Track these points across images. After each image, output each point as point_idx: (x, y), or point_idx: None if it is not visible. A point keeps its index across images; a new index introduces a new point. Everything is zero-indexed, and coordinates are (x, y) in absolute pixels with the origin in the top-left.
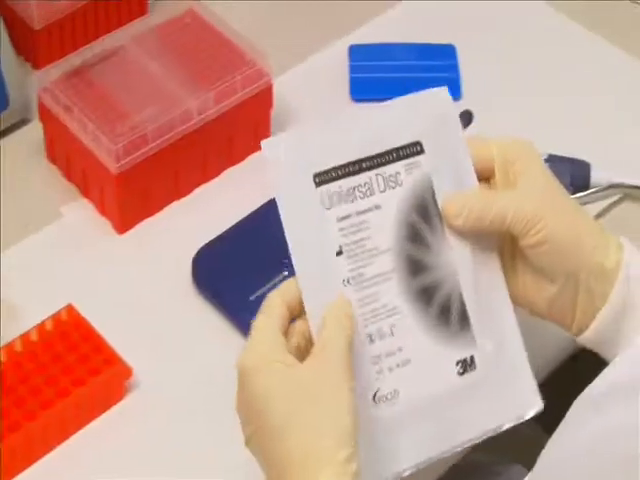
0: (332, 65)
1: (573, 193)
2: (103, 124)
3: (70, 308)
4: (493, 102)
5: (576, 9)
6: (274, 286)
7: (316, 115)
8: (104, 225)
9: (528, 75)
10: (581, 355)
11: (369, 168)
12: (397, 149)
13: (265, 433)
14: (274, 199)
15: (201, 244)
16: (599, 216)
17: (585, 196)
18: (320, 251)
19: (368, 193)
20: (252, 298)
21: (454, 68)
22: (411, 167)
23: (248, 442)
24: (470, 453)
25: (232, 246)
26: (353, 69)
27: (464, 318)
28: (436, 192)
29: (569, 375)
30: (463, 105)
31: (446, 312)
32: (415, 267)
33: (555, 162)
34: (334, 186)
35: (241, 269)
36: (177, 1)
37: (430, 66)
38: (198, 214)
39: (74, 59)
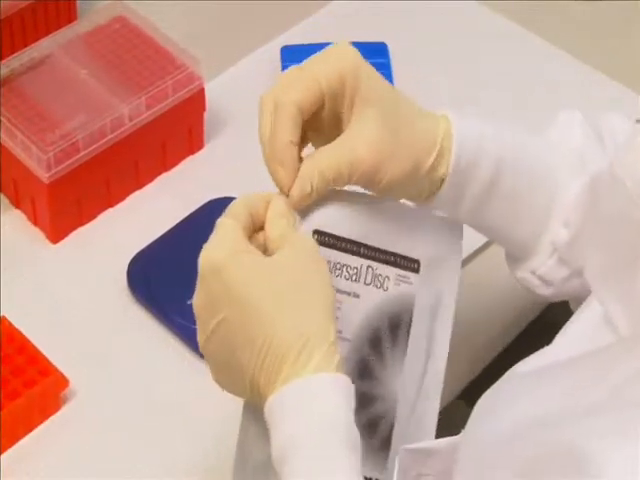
0: (264, 67)
1: None
2: (33, 133)
3: (3, 320)
4: (425, 100)
5: (509, 8)
6: None
7: (249, 117)
8: (37, 235)
9: (460, 72)
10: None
11: (364, 256)
12: (397, 255)
13: (242, 319)
14: (208, 203)
15: (136, 251)
16: None
17: None
18: None
19: (354, 278)
20: (189, 302)
21: (386, 66)
22: (401, 279)
23: (214, 333)
24: None
25: (167, 252)
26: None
27: (387, 442)
28: (414, 316)
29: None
30: None
31: (374, 427)
32: (364, 372)
33: None
34: (324, 252)
35: (177, 274)
36: (106, 7)
37: None
38: (132, 221)
39: (2, 69)
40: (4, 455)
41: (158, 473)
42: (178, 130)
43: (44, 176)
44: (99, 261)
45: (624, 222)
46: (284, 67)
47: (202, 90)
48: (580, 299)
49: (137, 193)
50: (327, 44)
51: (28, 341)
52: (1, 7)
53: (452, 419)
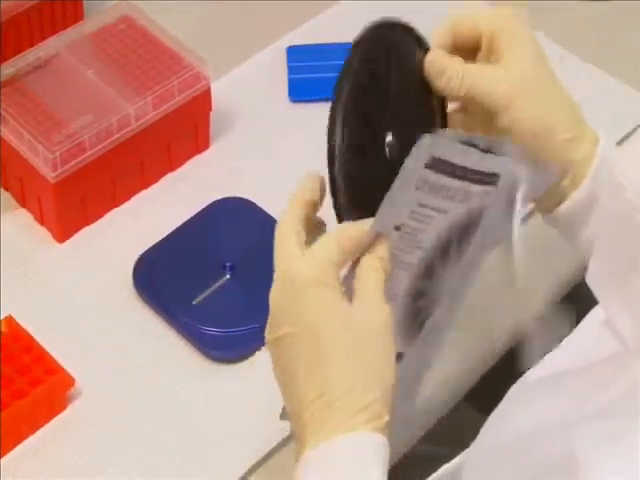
0: (270, 67)
1: None
2: (39, 133)
3: (10, 319)
4: None
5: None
6: (217, 290)
7: (255, 117)
8: (43, 234)
9: None
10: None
11: (462, 178)
12: (489, 174)
13: (305, 347)
14: (213, 204)
15: (142, 251)
16: None
17: None
18: (389, 215)
19: (448, 197)
20: (195, 302)
21: None
22: (485, 194)
23: (281, 340)
24: (416, 445)
25: (173, 252)
26: (291, 70)
27: (421, 325)
28: (479, 229)
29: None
30: None
31: (417, 315)
32: (426, 273)
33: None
34: (433, 176)
35: (183, 274)
36: (112, 7)
37: None
38: (138, 221)
39: (8, 68)
40: (9, 455)
41: (164, 473)
42: (184, 130)
43: (50, 175)
44: (105, 261)
45: (624, 227)
46: (290, 67)
47: (208, 90)
48: None
49: (143, 193)
50: (333, 44)
51: (34, 340)
52: (8, 7)
53: (458, 421)
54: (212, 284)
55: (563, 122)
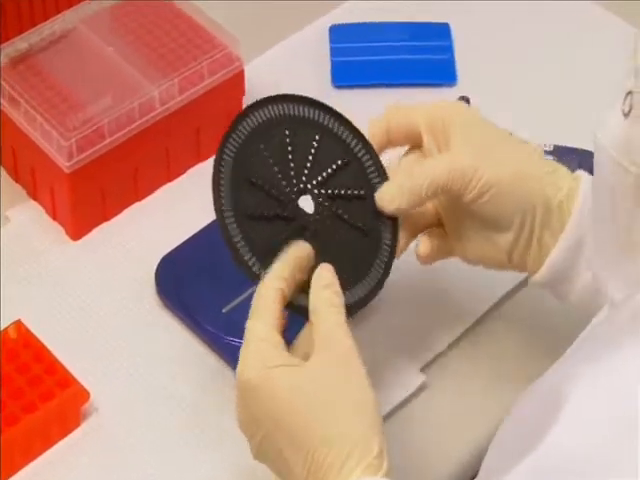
0: (310, 48)
1: None
2: (53, 117)
3: (19, 324)
4: (491, 87)
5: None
6: (250, 297)
7: None
8: (56, 230)
9: (530, 57)
10: None
11: None
12: None
13: (283, 435)
14: None
15: (165, 251)
16: None
17: None
18: None
19: None
20: (225, 310)
21: (448, 49)
22: None
23: (260, 446)
24: None
25: (200, 253)
26: (335, 52)
27: None
28: None
29: None
30: (458, 91)
31: None
32: None
33: (561, 153)
34: None
35: (211, 279)
36: None
37: (421, 47)
38: (161, 217)
39: (20, 44)
40: (19, 474)
41: None
42: (214, 116)
43: (65, 165)
44: (125, 261)
45: (611, 189)
46: (333, 48)
47: (241, 72)
48: None
49: (168, 186)
50: (381, 23)
51: (46, 349)
52: None
53: None
54: (243, 291)
55: (537, 170)
